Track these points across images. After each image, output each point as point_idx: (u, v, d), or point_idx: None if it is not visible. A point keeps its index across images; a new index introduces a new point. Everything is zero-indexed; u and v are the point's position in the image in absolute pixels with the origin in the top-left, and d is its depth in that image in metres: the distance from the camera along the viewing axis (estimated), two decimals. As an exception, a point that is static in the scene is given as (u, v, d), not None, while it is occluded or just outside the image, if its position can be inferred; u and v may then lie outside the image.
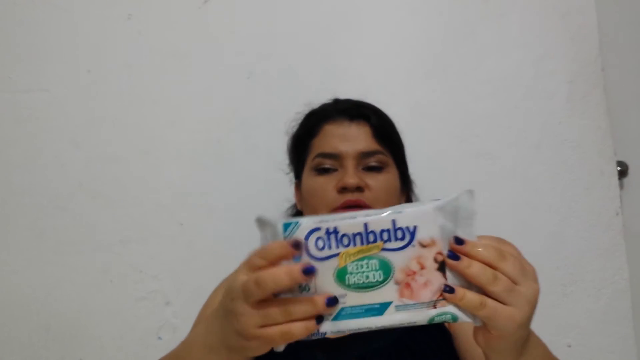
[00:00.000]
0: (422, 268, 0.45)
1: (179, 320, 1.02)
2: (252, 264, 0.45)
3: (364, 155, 0.78)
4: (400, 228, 0.45)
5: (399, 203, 0.86)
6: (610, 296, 1.10)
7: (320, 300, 0.43)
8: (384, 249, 0.45)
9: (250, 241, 1.06)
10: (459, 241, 0.45)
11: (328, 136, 0.81)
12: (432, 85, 1.15)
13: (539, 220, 1.11)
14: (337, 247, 0.45)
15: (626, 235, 1.12)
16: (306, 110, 0.90)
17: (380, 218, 0.46)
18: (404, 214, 0.46)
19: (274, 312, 0.43)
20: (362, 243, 0.45)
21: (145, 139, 1.08)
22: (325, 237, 0.45)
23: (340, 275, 0.45)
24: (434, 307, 0.45)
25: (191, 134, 1.10)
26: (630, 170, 1.17)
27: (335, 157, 0.78)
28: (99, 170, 1.06)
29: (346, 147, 0.78)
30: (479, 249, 0.44)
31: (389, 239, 0.45)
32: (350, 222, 0.46)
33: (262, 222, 0.48)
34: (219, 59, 1.12)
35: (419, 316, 0.45)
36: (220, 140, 1.10)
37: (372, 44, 1.16)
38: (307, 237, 0.45)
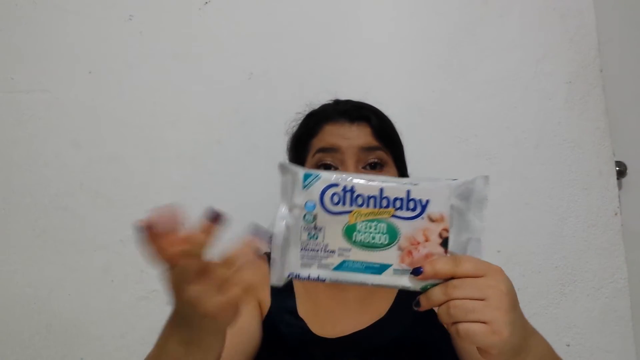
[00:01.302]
0: (427, 240, 0.48)
1: (180, 320, 1.02)
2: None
3: (364, 150, 0.78)
4: (413, 199, 0.48)
5: None
6: (609, 295, 1.10)
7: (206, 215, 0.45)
8: (394, 216, 0.48)
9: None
10: (416, 272, 0.47)
11: (327, 135, 0.81)
12: (432, 85, 1.15)
13: (538, 220, 1.12)
14: (351, 205, 0.48)
15: (625, 234, 1.12)
16: (306, 110, 0.90)
17: (396, 186, 0.49)
18: (419, 187, 0.48)
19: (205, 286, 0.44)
20: (374, 206, 0.48)
21: (146, 139, 1.09)
22: (341, 193, 0.49)
23: (349, 231, 0.48)
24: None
25: (192, 134, 1.10)
26: (629, 171, 1.18)
27: (335, 151, 0.78)
28: (100, 170, 1.07)
29: (346, 143, 0.78)
30: (432, 297, 0.46)
31: (401, 207, 0.48)
32: (368, 184, 0.49)
33: (284, 168, 0.52)
34: (220, 60, 1.12)
35: (413, 282, 0.48)
36: (220, 140, 1.10)
37: (372, 44, 1.16)
38: (324, 191, 0.49)
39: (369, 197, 0.48)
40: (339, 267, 0.48)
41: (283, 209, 0.50)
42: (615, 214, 1.13)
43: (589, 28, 1.18)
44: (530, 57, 1.17)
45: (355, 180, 0.49)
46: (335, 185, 0.49)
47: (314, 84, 1.09)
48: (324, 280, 0.48)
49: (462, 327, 0.44)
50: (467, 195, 0.49)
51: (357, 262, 0.48)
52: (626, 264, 1.11)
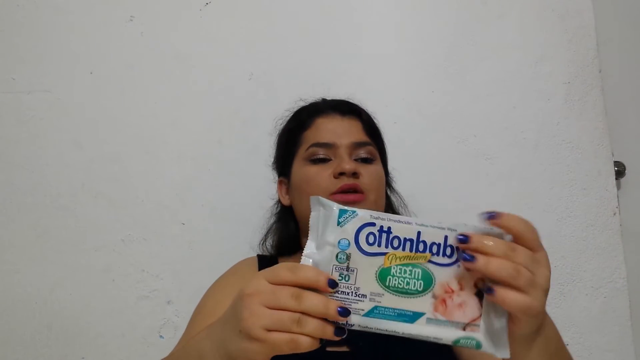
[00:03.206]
0: (461, 289, 0.46)
1: (181, 319, 1.03)
2: (277, 275, 0.44)
3: (357, 145, 0.81)
4: (450, 245, 0.46)
5: (386, 193, 0.90)
6: (607, 295, 1.11)
7: (332, 311, 0.43)
8: (430, 261, 0.46)
9: (252, 240, 1.08)
10: (464, 238, 0.45)
11: (321, 128, 0.84)
12: (431, 85, 1.16)
13: (537, 220, 1.09)
14: (387, 247, 0.46)
15: (623, 234, 1.13)
16: (295, 107, 0.93)
17: (434, 231, 0.46)
18: (457, 233, 0.46)
19: (287, 317, 0.42)
20: (411, 250, 0.46)
21: (147, 140, 1.09)
22: (377, 233, 0.46)
23: (383, 275, 0.46)
24: (463, 329, 0.46)
25: (193, 134, 1.10)
26: (628, 171, 1.18)
27: (330, 146, 0.81)
28: (101, 170, 1.07)
29: (340, 138, 0.81)
30: (490, 243, 0.44)
31: (437, 253, 0.46)
32: (404, 226, 0.46)
33: (317, 202, 0.48)
34: (220, 60, 1.13)
35: (446, 334, 0.46)
36: (221, 140, 1.11)
37: (372, 45, 1.17)
38: (359, 230, 0.46)
39: (406, 240, 0.46)
40: (370, 313, 0.45)
41: (311, 246, 0.47)
42: (614, 214, 1.13)
43: (588, 29, 1.19)
44: (529, 57, 1.17)
45: (393, 221, 0.46)
46: (372, 224, 0.46)
47: (314, 84, 1.09)
48: (352, 326, 0.45)
49: (520, 298, 0.43)
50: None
51: (389, 308, 0.45)
52: (625, 264, 1.12)
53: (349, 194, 0.77)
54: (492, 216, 0.46)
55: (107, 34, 1.11)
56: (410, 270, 0.46)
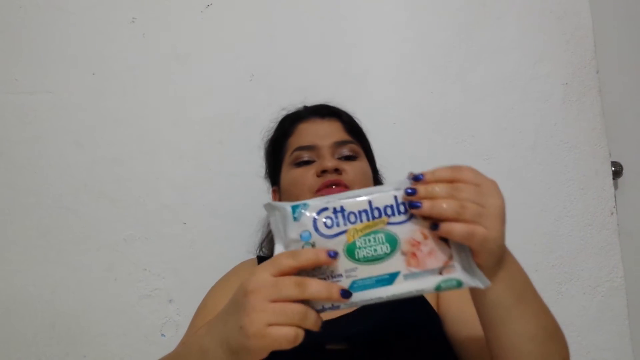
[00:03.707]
0: (426, 238, 0.48)
1: (182, 318, 1.03)
2: (279, 264, 0.45)
3: (338, 144, 0.83)
4: (402, 203, 0.48)
5: None
6: (605, 294, 1.11)
7: (335, 294, 0.44)
8: (389, 223, 0.48)
9: (252, 240, 1.08)
10: (412, 191, 0.47)
11: (303, 133, 0.86)
12: (430, 86, 1.16)
13: (534, 220, 1.13)
14: (345, 224, 0.48)
15: (621, 234, 1.14)
16: (279, 117, 0.95)
17: (383, 195, 0.48)
18: (403, 190, 0.48)
19: (290, 310, 0.43)
20: (368, 219, 0.48)
21: (148, 140, 1.10)
22: (332, 215, 0.48)
23: (350, 250, 0.47)
24: (440, 274, 0.48)
25: (194, 134, 1.11)
26: (625, 171, 1.19)
27: (312, 148, 0.83)
28: (103, 170, 1.07)
29: (321, 139, 0.83)
30: (435, 189, 0.47)
31: (393, 214, 0.48)
32: (355, 200, 0.48)
33: (271, 207, 0.50)
34: (222, 61, 1.13)
35: (426, 283, 0.47)
36: (222, 140, 1.11)
37: (371, 46, 1.17)
38: (315, 218, 0.48)
39: (360, 212, 0.48)
40: (351, 288, 0.47)
41: (279, 248, 0.49)
42: (612, 214, 1.14)
43: (586, 30, 1.19)
44: (527, 58, 1.18)
45: (343, 200, 0.48)
46: (325, 209, 0.48)
47: (315, 85, 1.10)
48: (339, 307, 0.47)
49: (464, 226, 0.45)
50: None
51: (367, 278, 0.47)
52: (622, 263, 1.12)
53: (333, 188, 0.78)
54: (417, 178, 0.48)
55: (109, 35, 1.11)
56: (374, 238, 0.47)
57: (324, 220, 0.48)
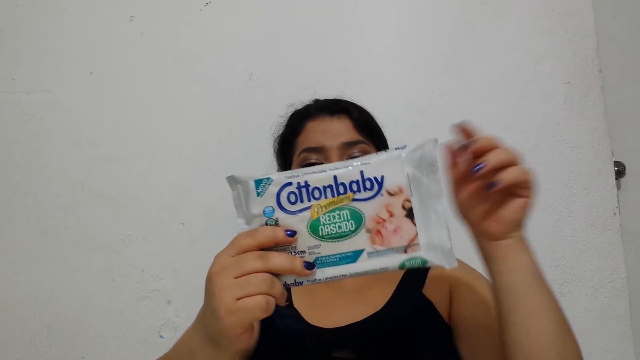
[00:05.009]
0: (391, 215, 0.47)
1: (181, 319, 1.03)
2: (239, 244, 0.45)
3: (347, 145, 0.79)
4: (368, 178, 0.47)
5: None
6: (607, 295, 1.11)
7: (299, 265, 0.44)
8: (354, 200, 0.47)
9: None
10: (465, 146, 0.52)
11: (311, 132, 0.83)
12: (431, 85, 1.16)
13: (537, 220, 1.12)
14: (309, 200, 0.47)
15: (623, 234, 1.13)
16: (288, 112, 0.92)
17: (349, 170, 0.47)
18: (371, 165, 0.47)
19: (254, 279, 0.43)
20: (332, 195, 0.47)
21: (146, 140, 1.09)
22: (297, 191, 0.47)
23: (314, 227, 0.46)
24: (405, 252, 0.47)
25: (192, 134, 1.10)
26: (628, 171, 1.18)
27: (320, 150, 0.79)
28: (101, 170, 1.07)
29: (329, 140, 0.80)
30: (486, 145, 0.55)
31: (359, 190, 0.47)
32: (320, 175, 0.47)
33: (233, 180, 0.48)
34: (220, 60, 1.13)
35: (390, 262, 0.47)
36: (221, 140, 1.11)
37: (371, 45, 1.17)
38: (279, 193, 0.47)
39: (325, 188, 0.47)
40: (314, 265, 0.46)
41: (241, 223, 0.48)
42: (614, 214, 1.13)
43: (588, 29, 1.19)
44: (529, 57, 1.17)
45: (308, 174, 0.47)
46: (289, 184, 0.47)
47: (314, 84, 1.09)
48: (302, 284, 0.46)
49: (510, 170, 0.52)
50: (418, 161, 0.49)
51: (330, 255, 0.46)
52: (625, 264, 1.12)
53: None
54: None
55: (107, 34, 1.11)
56: (338, 214, 0.47)
57: (287, 195, 0.47)
